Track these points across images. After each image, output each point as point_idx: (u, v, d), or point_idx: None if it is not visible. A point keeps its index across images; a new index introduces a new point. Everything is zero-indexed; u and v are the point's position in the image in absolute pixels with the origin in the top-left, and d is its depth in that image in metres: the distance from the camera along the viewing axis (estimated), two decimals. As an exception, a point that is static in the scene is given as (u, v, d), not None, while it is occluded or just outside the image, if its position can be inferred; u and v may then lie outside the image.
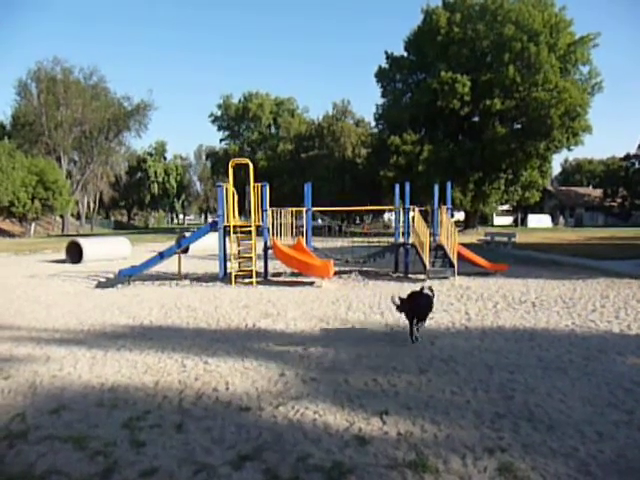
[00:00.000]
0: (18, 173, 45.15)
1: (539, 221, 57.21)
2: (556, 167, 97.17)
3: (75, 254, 19.16)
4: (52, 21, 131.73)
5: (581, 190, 71.33)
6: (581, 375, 5.19)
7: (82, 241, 19.58)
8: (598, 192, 66.02)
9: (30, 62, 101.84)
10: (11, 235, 49.26)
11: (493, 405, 4.42)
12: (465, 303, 9.55)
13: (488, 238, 25.42)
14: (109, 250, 20.36)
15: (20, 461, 3.56)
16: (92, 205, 76.63)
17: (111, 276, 14.23)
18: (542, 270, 14.76)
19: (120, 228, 78.57)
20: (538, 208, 58.91)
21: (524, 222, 58.36)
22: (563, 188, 73.64)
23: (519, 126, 38.53)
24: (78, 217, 70.45)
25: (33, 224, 53.48)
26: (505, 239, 23.42)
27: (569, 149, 38.93)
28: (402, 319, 8.08)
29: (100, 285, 13.00)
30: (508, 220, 65.43)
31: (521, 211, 59.69)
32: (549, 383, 4.96)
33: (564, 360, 5.73)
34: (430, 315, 8.28)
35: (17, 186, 44.72)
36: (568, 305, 9.17)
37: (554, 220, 59.56)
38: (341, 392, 4.79)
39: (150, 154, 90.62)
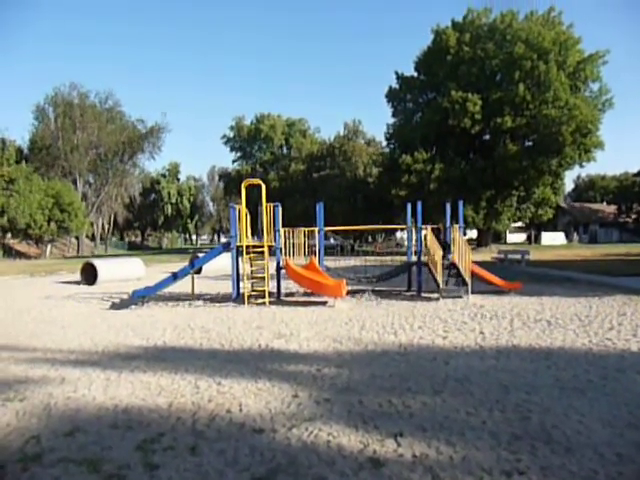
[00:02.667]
0: (35, 196, 45.95)
1: (553, 238, 56.81)
2: (569, 184, 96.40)
3: (90, 275, 19.33)
4: (67, 45, 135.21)
5: (595, 206, 70.84)
6: (599, 395, 5.10)
7: (97, 262, 19.76)
8: (612, 208, 65.55)
9: (47, 88, 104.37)
10: (27, 257, 49.86)
11: (510, 426, 4.35)
12: (479, 322, 9.46)
13: (501, 256, 25.27)
14: (123, 271, 20.52)
15: (35, 484, 3.56)
16: (107, 226, 77.45)
17: (125, 297, 14.32)
18: (557, 288, 14.61)
19: (134, 249, 79.33)
20: (551, 225, 58.55)
21: (538, 239, 57.97)
22: (576, 205, 73.13)
23: (530, 143, 38.56)
24: (93, 238, 71.24)
25: (49, 245, 54.16)
26: (519, 257, 23.27)
27: (581, 166, 38.88)
28: (416, 339, 8.05)
29: (114, 306, 13.07)
30: (521, 237, 65.04)
31: (534, 228, 59.29)
32: (566, 403, 4.87)
33: (581, 380, 5.64)
34: (444, 335, 8.29)
35: (34, 208, 45.46)
36: (584, 323, 9.05)
37: (568, 237, 59.11)
38: (355, 413, 4.74)
39: (164, 175, 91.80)
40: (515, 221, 47.57)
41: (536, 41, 35.34)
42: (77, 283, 19.59)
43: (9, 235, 49.13)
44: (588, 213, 66.23)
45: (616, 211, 62.94)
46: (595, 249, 38.21)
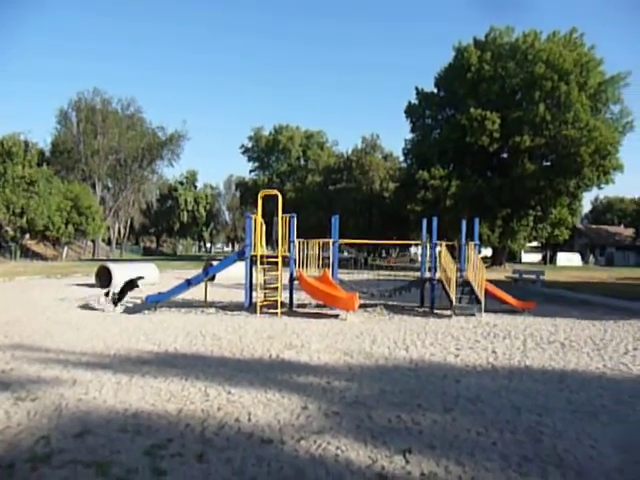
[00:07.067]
0: (54, 198, 46.61)
1: (569, 259, 56.26)
2: (586, 205, 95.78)
3: (105, 279, 19.48)
4: (92, 54, 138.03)
5: (612, 229, 70.11)
6: (612, 420, 5.01)
7: (112, 266, 19.92)
8: (630, 231, 64.98)
9: (71, 92, 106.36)
10: (44, 258, 50.44)
11: (520, 448, 4.29)
12: (492, 341, 9.37)
13: (516, 275, 25.01)
14: (138, 275, 20.59)
15: (43, 485, 3.58)
16: (122, 231, 78.24)
17: (138, 302, 14.40)
18: (572, 309, 14.43)
19: (149, 254, 79.87)
20: (568, 246, 58.00)
21: (553, 260, 57.42)
22: (594, 226, 72.46)
23: (548, 163, 38.39)
24: (109, 242, 72.01)
25: (66, 248, 54.80)
26: (533, 277, 23.01)
27: (600, 187, 38.62)
28: (427, 355, 8.00)
29: (127, 310, 13.16)
30: (537, 257, 64.42)
31: (550, 249, 58.71)
32: (579, 427, 4.80)
33: (595, 404, 5.55)
34: (456, 352, 8.23)
35: (52, 210, 46.10)
36: (599, 347, 8.91)
37: (584, 259, 58.48)
38: (364, 428, 4.71)
39: (181, 183, 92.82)
40: (531, 241, 47.20)
41: (557, 62, 35.27)
42: (92, 286, 19.76)
43: (27, 236, 49.81)
44: (605, 235, 65.57)
45: (634, 234, 62.28)
46: (611, 272, 37.73)
